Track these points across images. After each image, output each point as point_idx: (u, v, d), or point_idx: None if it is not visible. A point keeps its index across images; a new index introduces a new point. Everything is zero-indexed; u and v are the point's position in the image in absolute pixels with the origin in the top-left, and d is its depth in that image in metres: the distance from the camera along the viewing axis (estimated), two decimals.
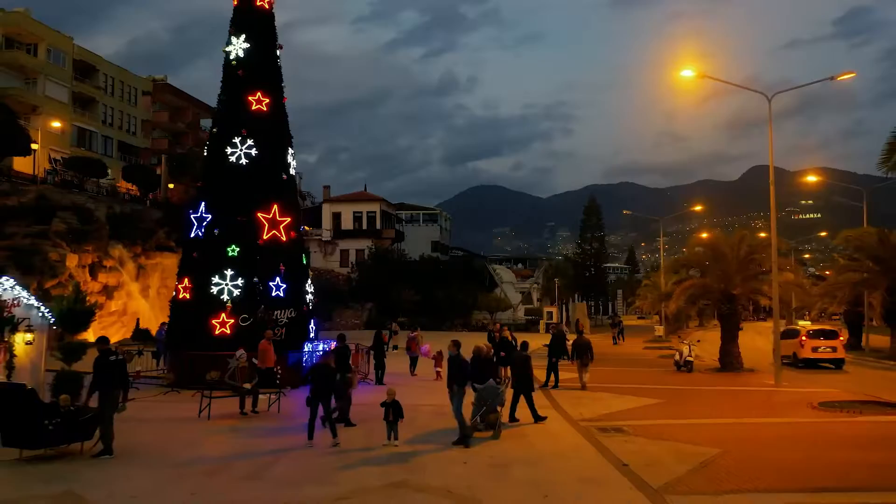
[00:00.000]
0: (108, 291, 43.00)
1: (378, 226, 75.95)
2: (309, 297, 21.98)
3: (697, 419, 15.60)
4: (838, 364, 26.07)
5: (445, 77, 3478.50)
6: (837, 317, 42.21)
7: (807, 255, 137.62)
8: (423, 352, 24.63)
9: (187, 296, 20.45)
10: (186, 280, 20.59)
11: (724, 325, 25.26)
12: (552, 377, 21.25)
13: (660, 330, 49.87)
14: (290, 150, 22.27)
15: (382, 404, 12.63)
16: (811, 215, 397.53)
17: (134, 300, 44.83)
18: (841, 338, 27.50)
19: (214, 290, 19.94)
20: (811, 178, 34.63)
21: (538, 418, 14.90)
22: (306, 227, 79.85)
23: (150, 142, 73.26)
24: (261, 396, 16.18)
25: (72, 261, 39.27)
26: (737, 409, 17.05)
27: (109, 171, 63.15)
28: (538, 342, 45.30)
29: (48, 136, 55.31)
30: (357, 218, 76.29)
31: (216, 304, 19.82)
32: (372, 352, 22.40)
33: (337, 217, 76.28)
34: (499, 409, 13.61)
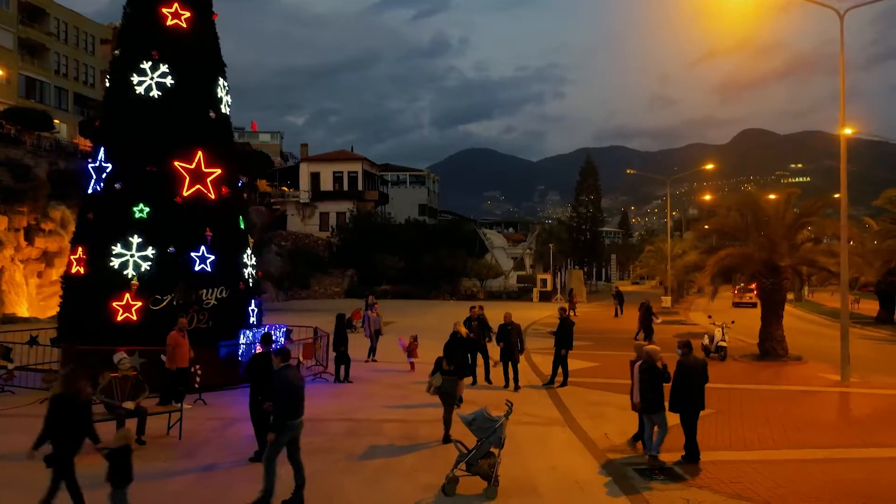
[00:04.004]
0: (47, 258, 38.02)
1: (360, 187, 70.72)
2: (248, 270, 17.14)
3: (773, 449, 11.04)
4: (753, 305, 38.94)
5: (436, 39, 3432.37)
6: (870, 287, 37.91)
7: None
8: (400, 344, 20.02)
9: (81, 270, 15.59)
10: (80, 250, 15.71)
11: (767, 304, 20.68)
12: (559, 373, 16.70)
13: (666, 300, 45.41)
14: (222, 82, 17.20)
15: (102, 450, 7.49)
16: (801, 179, 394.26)
17: None
18: (756, 292, 37.35)
19: (116, 262, 15.08)
20: (847, 132, 30.48)
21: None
22: (284, 188, 75.57)
23: None
24: (157, 414, 11.48)
25: (0, 223, 34.16)
26: (817, 426, 12.50)
27: (65, 125, 57.67)
28: (534, 314, 40.83)
29: None
30: (337, 178, 70.96)
31: (118, 282, 14.99)
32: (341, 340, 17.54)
33: (315, 177, 70.87)
34: (495, 451, 8.92)
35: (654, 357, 10.26)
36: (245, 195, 64.54)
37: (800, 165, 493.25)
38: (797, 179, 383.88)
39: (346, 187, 70.73)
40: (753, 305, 40.12)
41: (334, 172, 71.03)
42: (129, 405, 10.67)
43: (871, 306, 40.76)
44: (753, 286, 45.28)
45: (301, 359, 16.92)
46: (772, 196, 23.88)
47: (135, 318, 14.92)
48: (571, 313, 35.69)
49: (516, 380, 15.94)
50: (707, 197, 69.56)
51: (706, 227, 27.27)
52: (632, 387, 10.76)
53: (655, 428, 10.19)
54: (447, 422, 11.17)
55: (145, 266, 15.12)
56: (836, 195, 24.29)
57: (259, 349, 11.04)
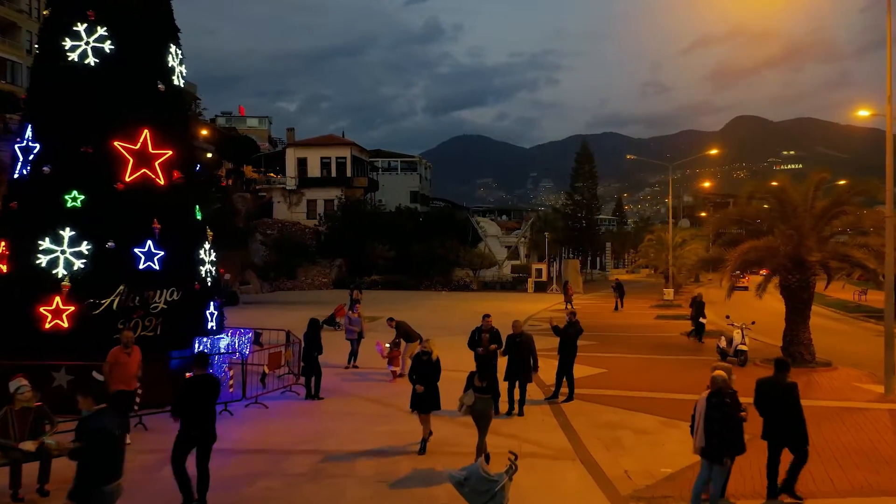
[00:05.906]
0: None
1: (349, 173, 68.27)
2: (206, 268, 14.88)
3: (836, 497, 8.93)
4: (745, 288, 38.14)
5: (430, 24, 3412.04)
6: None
7: None
8: (378, 351, 17.82)
9: (3, 268, 13.30)
10: (2, 245, 13.41)
11: (792, 303, 18.57)
12: (563, 386, 14.57)
13: (668, 293, 43.35)
14: (175, 49, 14.86)
15: None
16: (793, 166, 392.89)
17: None
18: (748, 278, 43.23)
19: (43, 260, 12.81)
20: (863, 113, 28.41)
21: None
22: (270, 174, 73.03)
23: None
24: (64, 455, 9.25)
25: None
26: (878, 461, 10.38)
27: None
28: (529, 307, 38.53)
29: None
30: (325, 164, 68.47)
31: (46, 283, 12.72)
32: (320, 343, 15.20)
33: (302, 163, 68.35)
34: None
35: (726, 388, 8.00)
36: (230, 181, 61.72)
37: (792, 153, 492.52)
38: (790, 167, 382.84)
39: (334, 173, 68.32)
40: (745, 288, 40.81)
41: (322, 158, 68.55)
42: (29, 446, 8.46)
43: (877, 297, 38.77)
44: (744, 273, 46.80)
45: (267, 369, 14.82)
46: (774, 183, 21.79)
47: (66, 325, 12.67)
48: (568, 307, 33.57)
49: (522, 402, 13.24)
50: (706, 184, 67.46)
51: (725, 215, 25.03)
52: (692, 422, 8.44)
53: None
54: (481, 447, 9.77)
55: (79, 264, 12.85)
56: (841, 182, 22.23)
57: (193, 374, 8.80)
